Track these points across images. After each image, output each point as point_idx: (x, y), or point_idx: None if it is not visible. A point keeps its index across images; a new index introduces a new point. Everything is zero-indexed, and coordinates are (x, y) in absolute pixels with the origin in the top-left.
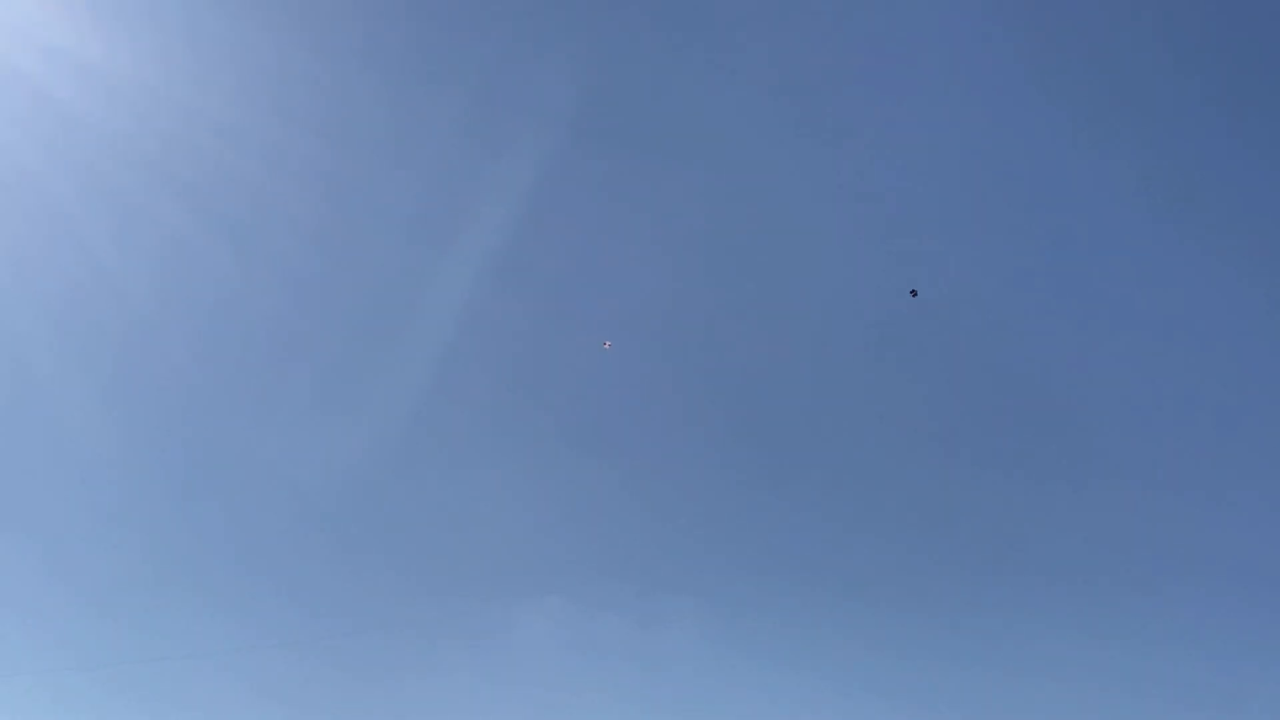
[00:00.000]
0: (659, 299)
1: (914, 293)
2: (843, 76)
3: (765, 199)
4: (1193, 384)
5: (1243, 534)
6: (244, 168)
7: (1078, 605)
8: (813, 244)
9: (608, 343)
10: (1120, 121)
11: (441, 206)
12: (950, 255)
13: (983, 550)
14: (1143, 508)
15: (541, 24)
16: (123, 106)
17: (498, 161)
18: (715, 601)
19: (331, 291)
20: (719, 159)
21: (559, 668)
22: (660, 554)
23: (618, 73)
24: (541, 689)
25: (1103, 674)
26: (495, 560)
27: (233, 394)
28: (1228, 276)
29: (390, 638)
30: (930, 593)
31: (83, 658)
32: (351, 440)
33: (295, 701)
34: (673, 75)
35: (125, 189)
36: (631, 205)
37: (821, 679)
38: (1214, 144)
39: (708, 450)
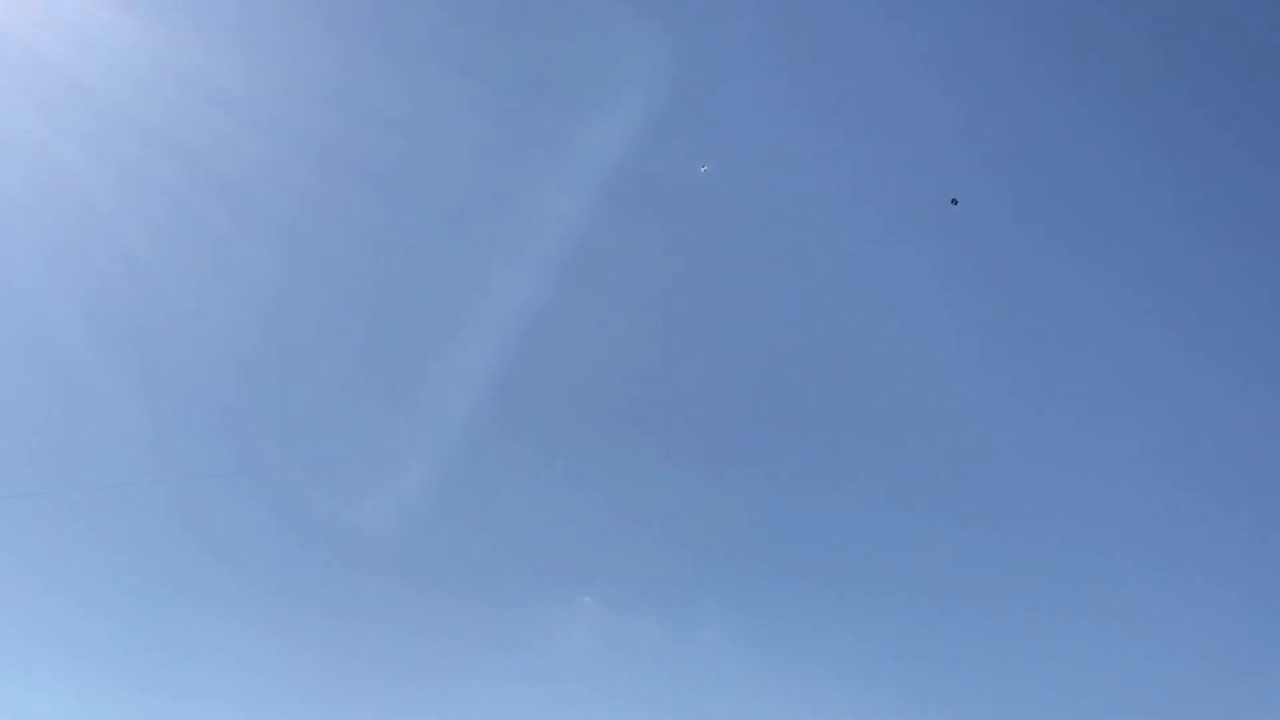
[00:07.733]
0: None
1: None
2: None
3: None
4: None
5: None
6: (290, 165)
7: (1095, 597)
8: None
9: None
10: None
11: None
12: None
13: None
14: None
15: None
16: (157, 96)
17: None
18: (745, 604)
19: (376, 294)
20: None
21: (589, 670)
22: (691, 556)
23: None
24: (572, 691)
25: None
26: (527, 563)
27: (265, 396)
28: None
29: (423, 641)
30: (963, 591)
31: None
32: (385, 448)
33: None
34: None
35: (164, 182)
36: None
37: (848, 683)
38: None
39: (741, 453)
